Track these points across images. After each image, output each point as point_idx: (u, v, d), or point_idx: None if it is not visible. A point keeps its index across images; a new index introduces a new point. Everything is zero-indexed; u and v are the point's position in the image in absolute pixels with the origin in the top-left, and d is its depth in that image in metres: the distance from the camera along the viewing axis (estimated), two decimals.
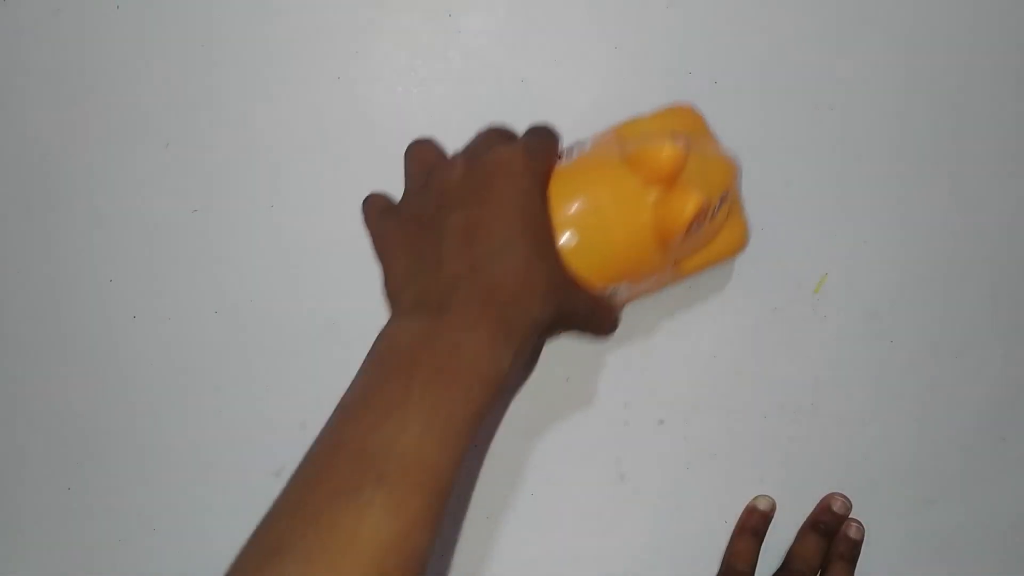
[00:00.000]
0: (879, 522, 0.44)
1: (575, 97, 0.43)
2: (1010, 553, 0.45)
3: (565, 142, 0.38)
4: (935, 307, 0.45)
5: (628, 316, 0.43)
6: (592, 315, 0.36)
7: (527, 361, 0.42)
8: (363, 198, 0.38)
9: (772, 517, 0.43)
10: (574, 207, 0.34)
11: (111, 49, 0.42)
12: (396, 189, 0.42)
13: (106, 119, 0.42)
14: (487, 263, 0.31)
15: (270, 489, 0.42)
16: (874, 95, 0.44)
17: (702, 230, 0.36)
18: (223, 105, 0.42)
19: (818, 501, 0.44)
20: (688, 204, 0.33)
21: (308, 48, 0.42)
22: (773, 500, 0.43)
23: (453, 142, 0.42)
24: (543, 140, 0.36)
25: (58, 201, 0.42)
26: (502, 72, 0.42)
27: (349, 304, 0.42)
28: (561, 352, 0.42)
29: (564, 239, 0.34)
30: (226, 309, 0.43)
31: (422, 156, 0.38)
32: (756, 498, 0.43)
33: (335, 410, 0.31)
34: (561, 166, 0.36)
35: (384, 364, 0.30)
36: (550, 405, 0.43)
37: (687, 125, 0.39)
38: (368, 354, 0.31)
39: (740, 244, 0.40)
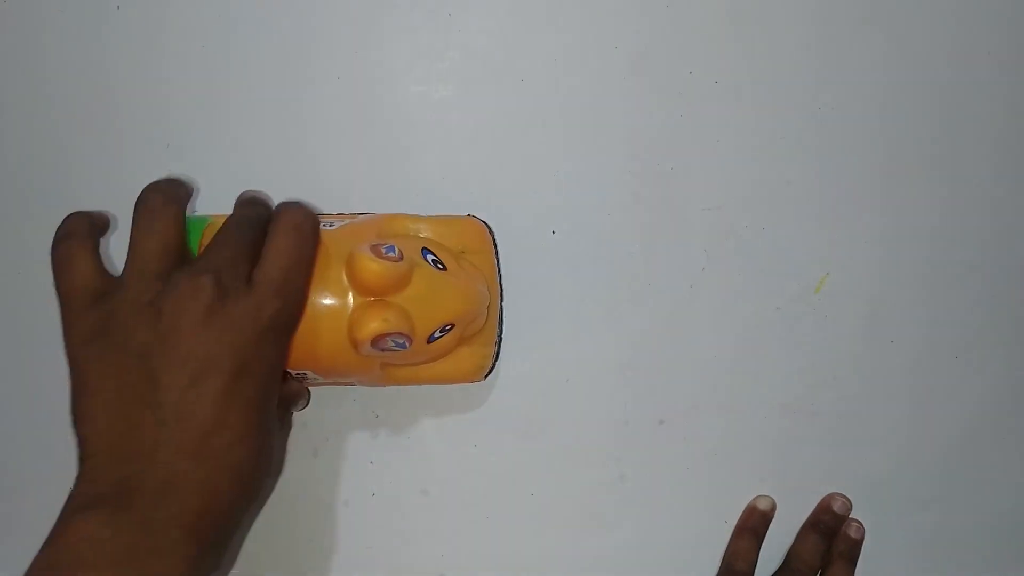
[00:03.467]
0: (879, 522, 0.44)
1: (576, 98, 0.43)
2: (1010, 553, 0.45)
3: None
4: (935, 307, 0.45)
5: (628, 316, 0.43)
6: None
7: None
8: (56, 284, 0.31)
9: (772, 517, 0.43)
10: None
11: (111, 49, 0.42)
12: (395, 188, 0.42)
13: (106, 119, 0.42)
14: (214, 467, 0.28)
15: (271, 488, 0.42)
16: (874, 95, 0.44)
17: (410, 350, 0.34)
18: (223, 105, 0.42)
19: (818, 501, 0.44)
20: (368, 325, 0.32)
21: (308, 48, 0.42)
22: (773, 500, 0.43)
23: (453, 142, 0.42)
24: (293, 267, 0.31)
25: (58, 201, 0.42)
26: (502, 72, 0.42)
27: None
28: (561, 352, 0.43)
29: None
30: None
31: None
32: (756, 498, 0.43)
33: None
34: None
35: None
36: (550, 405, 0.43)
37: (464, 240, 0.38)
38: (50, 548, 0.27)
39: (469, 375, 0.39)
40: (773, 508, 0.43)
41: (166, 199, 0.32)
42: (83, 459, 0.29)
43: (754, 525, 0.43)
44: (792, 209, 0.44)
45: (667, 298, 0.43)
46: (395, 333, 0.32)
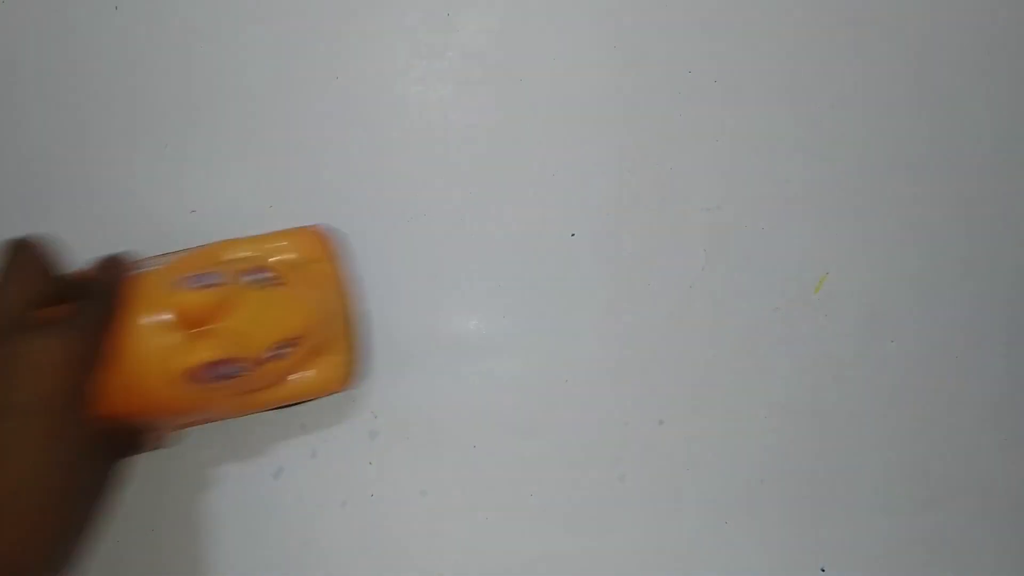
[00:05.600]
0: (879, 522, 0.44)
1: (574, 97, 0.43)
2: (1010, 553, 0.45)
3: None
4: (935, 307, 0.44)
5: (628, 316, 0.43)
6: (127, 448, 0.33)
7: None
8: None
9: None
10: None
11: (111, 49, 0.42)
12: (394, 188, 0.42)
13: (106, 119, 0.42)
14: None
15: (270, 489, 0.42)
16: (873, 95, 0.44)
17: (255, 372, 0.33)
18: (223, 105, 0.42)
19: (818, 502, 0.43)
20: (194, 354, 0.31)
21: (308, 48, 0.42)
22: None
23: (453, 142, 0.42)
24: (107, 307, 0.31)
25: (58, 201, 0.42)
26: (502, 72, 0.42)
27: None
28: (561, 353, 0.42)
29: None
30: None
31: None
32: None
33: None
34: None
35: None
36: (550, 405, 0.43)
37: (302, 251, 0.38)
38: None
39: (332, 384, 0.38)
40: None
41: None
42: None
43: None
44: (792, 209, 0.44)
45: (667, 298, 0.43)
46: (226, 360, 0.32)
